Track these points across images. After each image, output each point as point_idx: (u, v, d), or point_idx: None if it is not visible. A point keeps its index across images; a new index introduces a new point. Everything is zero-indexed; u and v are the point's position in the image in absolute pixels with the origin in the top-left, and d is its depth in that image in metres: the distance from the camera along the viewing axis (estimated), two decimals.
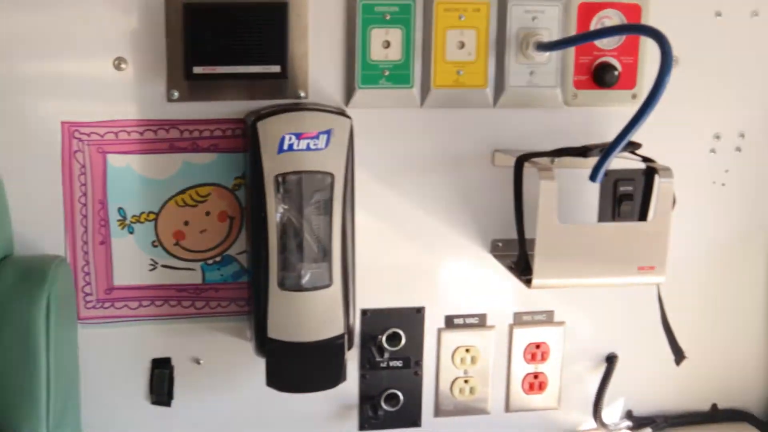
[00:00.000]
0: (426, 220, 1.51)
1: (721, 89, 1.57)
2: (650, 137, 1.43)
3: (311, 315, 1.36)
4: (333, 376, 1.39)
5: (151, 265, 1.44)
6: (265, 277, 1.34)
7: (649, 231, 1.39)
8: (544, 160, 1.41)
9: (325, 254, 1.35)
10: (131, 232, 1.42)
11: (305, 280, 1.35)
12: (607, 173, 1.52)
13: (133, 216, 1.42)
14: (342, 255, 1.36)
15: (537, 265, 1.36)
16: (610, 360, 1.61)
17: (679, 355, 1.50)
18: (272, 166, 1.32)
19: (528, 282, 1.38)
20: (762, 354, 1.69)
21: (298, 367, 1.37)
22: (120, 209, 1.41)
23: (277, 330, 1.35)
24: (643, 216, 1.47)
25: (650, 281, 1.40)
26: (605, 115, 1.51)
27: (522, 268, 1.42)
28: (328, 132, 1.32)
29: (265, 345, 1.36)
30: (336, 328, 1.37)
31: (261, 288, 1.35)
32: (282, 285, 1.34)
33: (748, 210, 1.63)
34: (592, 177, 1.31)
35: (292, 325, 1.35)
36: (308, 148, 1.32)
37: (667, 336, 1.49)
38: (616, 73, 1.48)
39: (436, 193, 1.51)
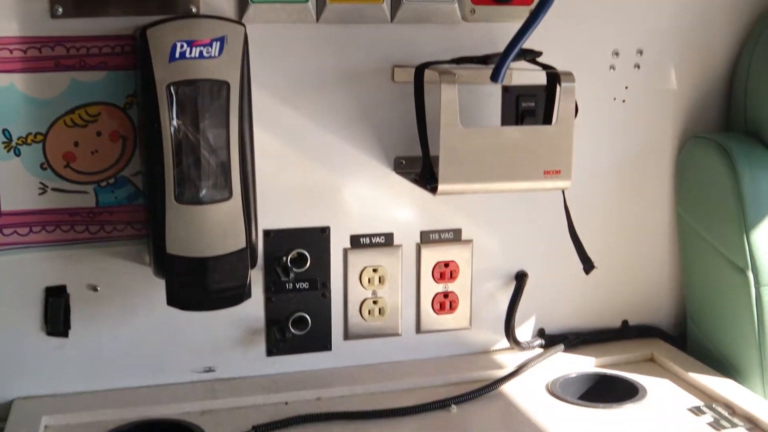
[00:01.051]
0: (327, 139, 1.48)
1: (618, 7, 1.58)
2: (550, 54, 1.43)
3: (211, 229, 1.31)
4: (237, 293, 1.35)
5: (41, 188, 1.38)
6: (161, 192, 1.29)
7: (554, 135, 1.38)
8: (445, 67, 1.39)
9: (224, 166, 1.31)
10: (18, 155, 1.36)
11: (203, 193, 1.31)
12: (509, 89, 1.53)
13: (19, 137, 1.35)
14: (241, 167, 1.32)
15: (442, 170, 1.34)
16: (520, 278, 1.60)
17: (587, 264, 1.48)
18: (164, 75, 1.27)
19: (434, 190, 1.36)
20: (670, 269, 1.70)
21: (199, 284, 1.32)
22: (5, 131, 1.35)
23: (176, 246, 1.30)
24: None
25: (556, 186, 1.39)
26: (503, 30, 1.48)
27: (427, 177, 1.40)
28: (221, 39, 1.28)
29: (164, 262, 1.31)
30: (238, 242, 1.32)
31: (158, 203, 1.30)
32: (179, 199, 1.29)
33: (650, 126, 1.64)
34: (494, 77, 1.29)
35: (192, 240, 1.30)
36: (201, 56, 1.27)
37: (575, 245, 1.48)
38: None
39: (337, 111, 1.48)
